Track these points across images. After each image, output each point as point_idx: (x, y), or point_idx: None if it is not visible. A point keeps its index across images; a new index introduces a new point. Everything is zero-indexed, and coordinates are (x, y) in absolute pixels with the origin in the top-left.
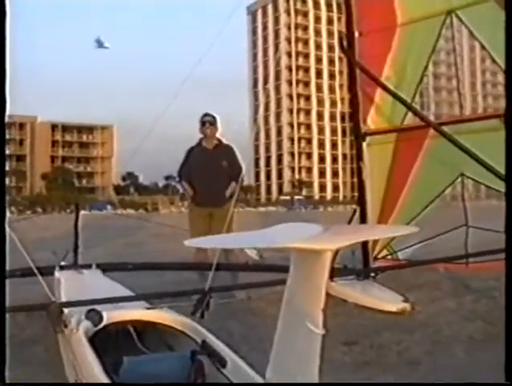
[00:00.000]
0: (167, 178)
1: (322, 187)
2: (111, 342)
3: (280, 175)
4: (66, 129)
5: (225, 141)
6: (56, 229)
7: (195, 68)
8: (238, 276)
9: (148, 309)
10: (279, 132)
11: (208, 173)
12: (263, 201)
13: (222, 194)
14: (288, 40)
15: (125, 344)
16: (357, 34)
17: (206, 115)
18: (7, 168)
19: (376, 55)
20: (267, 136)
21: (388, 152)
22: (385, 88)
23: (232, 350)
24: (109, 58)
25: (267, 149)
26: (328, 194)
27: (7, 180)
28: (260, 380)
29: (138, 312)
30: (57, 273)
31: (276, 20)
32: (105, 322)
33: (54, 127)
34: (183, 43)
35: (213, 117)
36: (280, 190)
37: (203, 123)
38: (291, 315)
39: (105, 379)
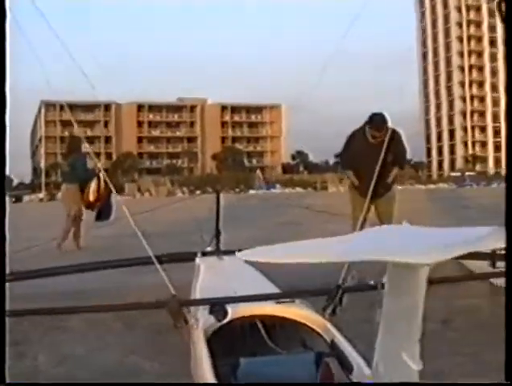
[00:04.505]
0: (338, 155)
1: (497, 162)
2: (238, 338)
3: (453, 151)
4: (235, 109)
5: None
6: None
7: (356, 42)
8: None
9: (279, 303)
10: (451, 106)
11: (373, 167)
12: (435, 178)
13: (385, 183)
14: (458, 8)
15: (253, 340)
16: None
17: (378, 129)
18: (179, 149)
19: None
20: (438, 110)
21: None
22: None
23: (360, 353)
24: (277, 40)
25: (438, 124)
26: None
27: (179, 161)
28: None
29: (267, 306)
30: (198, 260)
31: None
32: (230, 317)
33: (223, 108)
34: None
35: (384, 121)
36: (452, 166)
37: (373, 136)
38: (386, 343)
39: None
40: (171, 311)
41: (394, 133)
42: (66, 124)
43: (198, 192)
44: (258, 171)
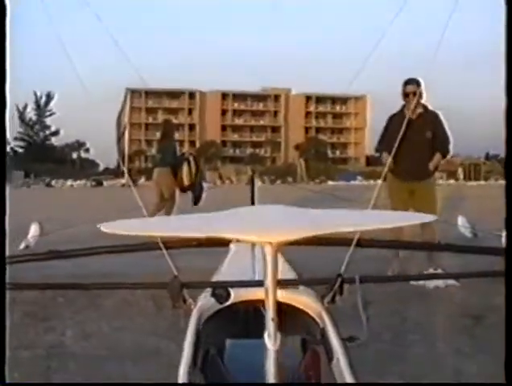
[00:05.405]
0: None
1: None
2: (235, 321)
3: None
4: (320, 100)
5: (430, 107)
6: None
7: (448, 37)
8: (435, 256)
9: (282, 288)
10: None
11: (410, 145)
12: None
13: (425, 167)
14: None
15: (250, 324)
16: None
17: (408, 83)
18: (263, 139)
19: None
20: None
21: None
22: None
23: (344, 345)
24: (363, 28)
25: None
26: None
27: (262, 150)
28: None
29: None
30: (231, 245)
31: None
32: (232, 300)
33: (308, 98)
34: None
35: (417, 84)
36: None
37: (405, 94)
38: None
39: (183, 368)
40: (171, 292)
41: (432, 111)
42: (151, 111)
43: (278, 182)
44: (301, 160)
